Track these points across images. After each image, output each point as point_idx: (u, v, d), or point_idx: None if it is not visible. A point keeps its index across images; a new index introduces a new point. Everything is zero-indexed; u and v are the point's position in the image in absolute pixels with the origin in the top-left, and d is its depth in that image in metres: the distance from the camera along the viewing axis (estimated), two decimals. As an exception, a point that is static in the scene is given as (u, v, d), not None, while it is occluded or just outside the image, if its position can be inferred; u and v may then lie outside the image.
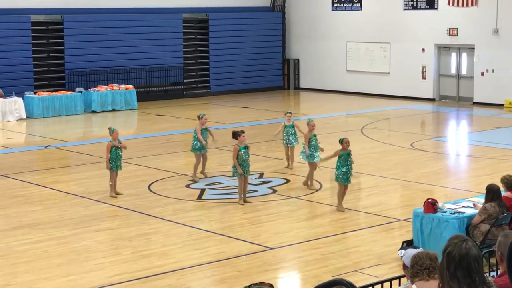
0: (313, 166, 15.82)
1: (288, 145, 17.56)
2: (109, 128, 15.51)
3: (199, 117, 16.92)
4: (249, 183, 15.30)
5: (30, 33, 28.40)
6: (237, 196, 14.90)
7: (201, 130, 16.69)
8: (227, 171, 17.12)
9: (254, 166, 15.18)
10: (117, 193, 15.32)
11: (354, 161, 14.36)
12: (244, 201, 14.68)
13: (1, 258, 11.68)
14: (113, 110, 28.39)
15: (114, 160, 15.17)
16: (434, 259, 5.62)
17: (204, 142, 16.55)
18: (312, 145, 15.79)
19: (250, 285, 4.08)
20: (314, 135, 15.95)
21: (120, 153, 15.30)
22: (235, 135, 14.66)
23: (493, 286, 4.81)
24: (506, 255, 4.90)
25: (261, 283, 4.09)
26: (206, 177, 16.84)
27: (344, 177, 13.91)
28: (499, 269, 5.52)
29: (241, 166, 14.46)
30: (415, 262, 5.68)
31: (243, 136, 14.60)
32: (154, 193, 15.67)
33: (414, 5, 30.70)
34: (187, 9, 32.34)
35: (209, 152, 17.26)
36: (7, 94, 26.60)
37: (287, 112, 17.84)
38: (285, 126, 17.50)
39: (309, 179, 15.87)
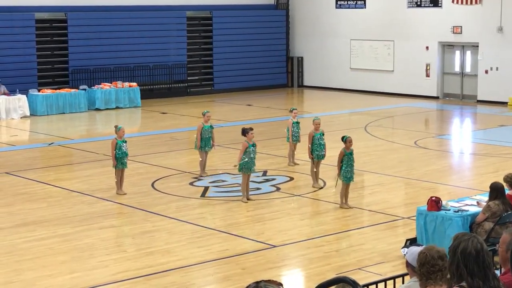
0: (316, 164, 15.79)
1: (294, 141, 17.56)
2: (115, 126, 15.50)
3: (203, 114, 16.98)
4: (251, 181, 15.32)
5: (34, 31, 28.42)
6: (240, 194, 14.91)
7: (205, 127, 16.71)
8: (231, 168, 17.14)
9: (257, 164, 15.16)
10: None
11: (358, 158, 14.34)
12: (248, 199, 14.69)
13: (5, 255, 11.70)
14: (117, 107, 28.40)
15: (119, 157, 15.17)
16: (444, 257, 5.15)
17: (198, 143, 16.58)
18: (316, 143, 15.76)
19: (260, 281, 4.04)
20: (321, 134, 15.88)
21: (125, 151, 15.27)
22: (244, 132, 14.70)
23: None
24: (510, 253, 4.90)
25: (270, 281, 4.04)
26: (207, 175, 16.84)
27: (346, 176, 13.92)
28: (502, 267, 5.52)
29: (248, 163, 14.47)
30: (425, 261, 5.13)
31: (251, 134, 14.64)
32: (158, 190, 15.68)
33: (418, 3, 30.67)
34: (190, 7, 32.34)
35: (213, 150, 17.25)
36: (11, 92, 26.63)
37: (293, 109, 17.86)
38: (292, 123, 17.52)
39: (312, 177, 15.86)
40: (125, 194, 15.24)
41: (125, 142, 15.35)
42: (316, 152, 15.72)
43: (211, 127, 16.90)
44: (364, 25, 32.39)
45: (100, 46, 29.71)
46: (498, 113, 26.49)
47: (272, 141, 20.69)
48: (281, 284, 4.03)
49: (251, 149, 14.52)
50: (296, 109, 17.89)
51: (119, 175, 15.30)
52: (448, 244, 4.96)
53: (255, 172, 15.35)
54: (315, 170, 15.87)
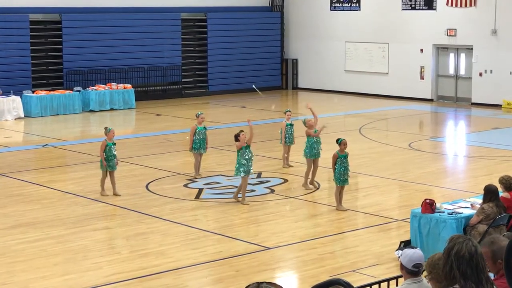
0: (310, 163, 15.75)
1: (288, 143, 17.55)
2: (105, 128, 15.45)
3: (196, 116, 16.98)
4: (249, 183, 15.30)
5: (28, 32, 28.36)
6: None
7: (199, 129, 16.70)
8: (225, 170, 17.13)
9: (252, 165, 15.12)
10: (116, 194, 15.25)
11: (352, 160, 14.33)
12: (237, 201, 14.63)
13: (-2, 257, 11.67)
14: (111, 109, 28.36)
15: (107, 159, 15.12)
16: None
17: (190, 144, 16.57)
18: (313, 141, 15.74)
19: (261, 282, 4.00)
20: (315, 131, 15.87)
21: (114, 153, 15.23)
22: (236, 137, 14.62)
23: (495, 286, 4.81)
24: (504, 257, 4.88)
25: (272, 283, 4.00)
26: (201, 177, 16.83)
27: (340, 178, 13.89)
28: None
29: (244, 165, 14.43)
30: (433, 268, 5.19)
31: (243, 135, 14.60)
32: (152, 192, 15.66)
33: (413, 6, 30.70)
34: (185, 9, 32.32)
35: (208, 152, 17.23)
36: (5, 93, 26.57)
37: (287, 111, 17.87)
38: (286, 125, 17.51)
39: (305, 177, 15.82)
40: (120, 196, 15.20)
41: (114, 144, 15.30)
42: (314, 150, 15.68)
43: (205, 128, 16.88)
44: (359, 28, 32.41)
45: (95, 48, 29.68)
46: (492, 116, 26.53)
47: (267, 143, 20.68)
48: None
49: (244, 151, 14.47)
50: (290, 111, 17.89)
51: (105, 177, 15.26)
52: (442, 246, 4.95)
53: (252, 174, 15.31)
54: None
